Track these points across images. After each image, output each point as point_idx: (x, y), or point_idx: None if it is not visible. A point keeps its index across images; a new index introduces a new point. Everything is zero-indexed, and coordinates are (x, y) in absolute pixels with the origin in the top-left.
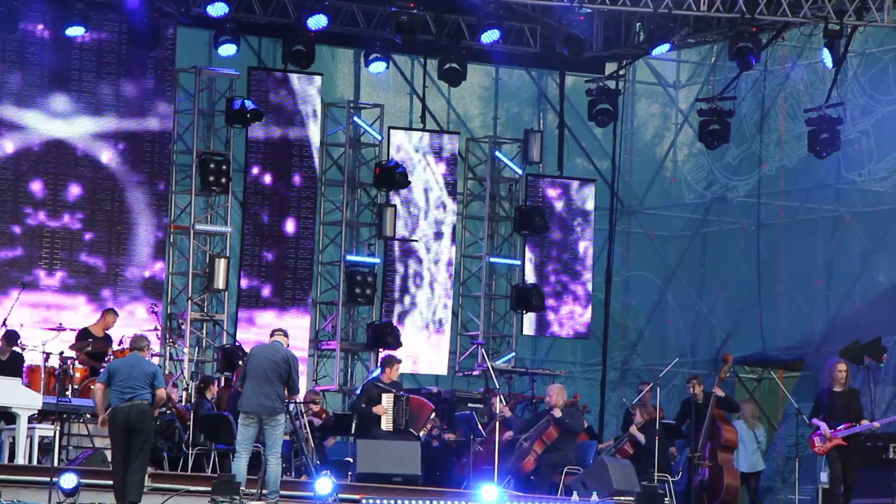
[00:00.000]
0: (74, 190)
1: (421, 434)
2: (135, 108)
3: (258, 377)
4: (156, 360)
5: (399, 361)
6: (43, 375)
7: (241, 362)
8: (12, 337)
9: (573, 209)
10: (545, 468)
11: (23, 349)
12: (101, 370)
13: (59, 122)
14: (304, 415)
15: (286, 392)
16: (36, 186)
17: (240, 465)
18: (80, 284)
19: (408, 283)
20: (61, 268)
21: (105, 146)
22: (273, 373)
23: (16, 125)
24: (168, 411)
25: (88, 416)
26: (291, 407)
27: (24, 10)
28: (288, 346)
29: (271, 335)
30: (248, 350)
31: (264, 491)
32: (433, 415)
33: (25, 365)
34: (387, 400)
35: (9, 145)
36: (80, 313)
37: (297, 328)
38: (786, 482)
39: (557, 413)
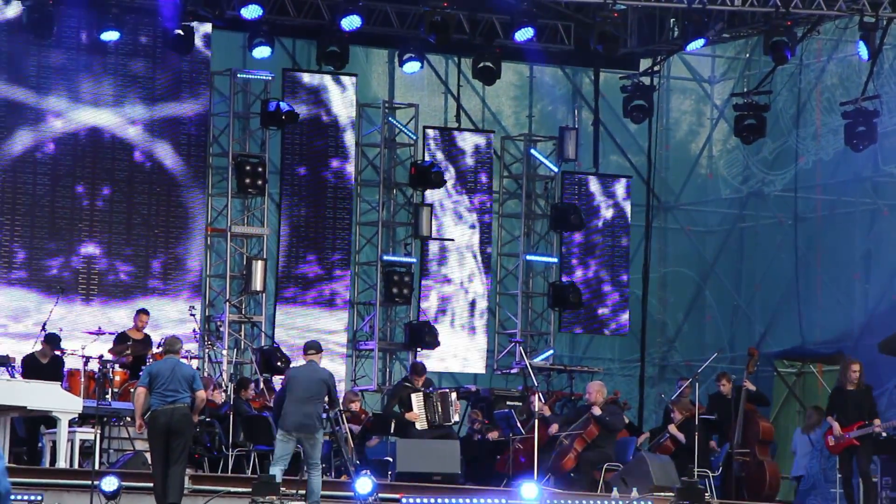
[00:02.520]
0: (112, 194)
1: (455, 417)
2: (170, 110)
3: (299, 397)
4: (194, 363)
5: (424, 371)
6: (83, 379)
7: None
8: (54, 340)
9: (609, 206)
10: (585, 466)
11: (62, 353)
12: (141, 373)
13: (93, 120)
14: (344, 419)
15: (328, 404)
16: (77, 189)
17: (276, 475)
18: (118, 288)
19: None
20: (99, 272)
21: (140, 148)
22: (313, 392)
23: (53, 126)
24: (206, 418)
25: (129, 419)
26: (331, 413)
27: (58, 15)
28: (321, 359)
29: (305, 353)
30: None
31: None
32: (454, 395)
33: (65, 369)
34: (416, 401)
35: (50, 146)
36: (119, 316)
37: (334, 329)
38: (828, 479)
39: (597, 411)
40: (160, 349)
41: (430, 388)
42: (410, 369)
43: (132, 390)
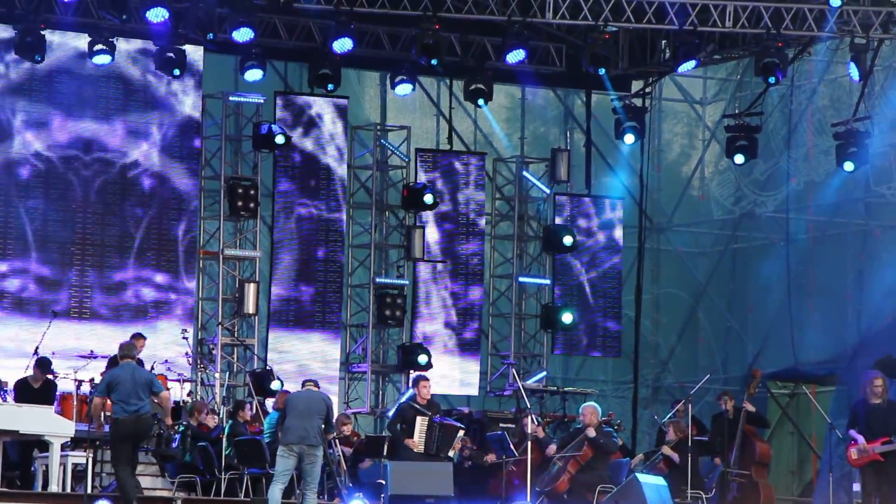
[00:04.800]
0: (104, 216)
1: (451, 454)
2: (163, 134)
3: (300, 412)
4: (187, 386)
5: (426, 378)
6: (75, 403)
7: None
8: (45, 364)
9: (602, 227)
10: (579, 488)
11: (55, 377)
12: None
13: (86, 136)
14: (337, 442)
15: (324, 427)
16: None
17: (275, 494)
18: (110, 312)
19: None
20: (91, 295)
21: (131, 172)
22: (314, 409)
23: (40, 146)
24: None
25: None
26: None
27: (50, 38)
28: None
29: (303, 385)
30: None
31: None
32: (461, 433)
33: (58, 392)
34: (420, 424)
35: (37, 166)
36: (111, 340)
37: (327, 351)
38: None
39: (592, 433)
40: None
41: (437, 418)
42: (413, 382)
43: (89, 402)
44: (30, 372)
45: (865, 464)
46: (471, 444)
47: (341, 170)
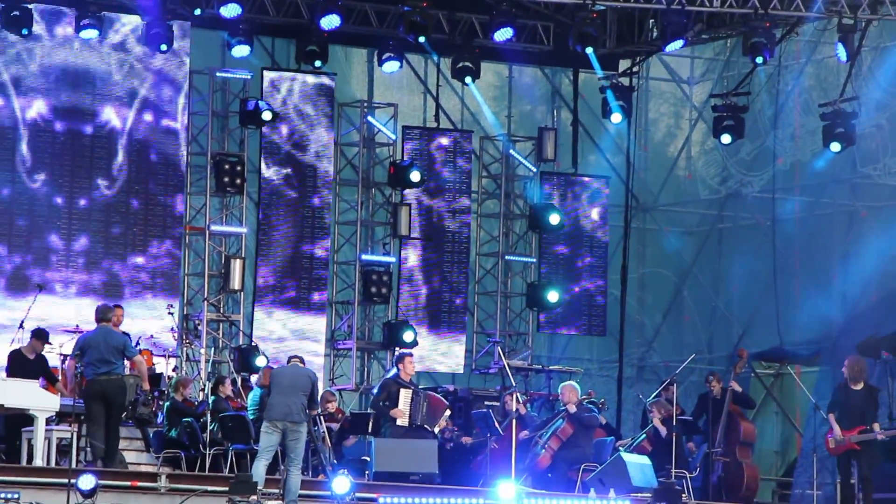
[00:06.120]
0: (91, 192)
1: (436, 430)
2: (149, 109)
3: (284, 388)
4: (172, 361)
5: (410, 355)
6: (60, 377)
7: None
8: (42, 335)
9: (588, 206)
10: (561, 465)
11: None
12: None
13: (73, 117)
14: (322, 418)
15: (308, 404)
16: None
17: (259, 469)
18: (95, 286)
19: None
20: (77, 270)
21: (118, 148)
22: (298, 386)
23: (29, 122)
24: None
25: None
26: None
27: (35, 12)
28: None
29: (289, 361)
30: (261, 349)
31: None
32: (448, 413)
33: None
34: (405, 396)
35: (23, 142)
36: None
37: (312, 328)
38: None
39: (572, 408)
40: (138, 347)
41: (420, 390)
42: (396, 359)
43: (64, 365)
44: (15, 345)
45: (842, 452)
46: (451, 426)
47: (328, 146)
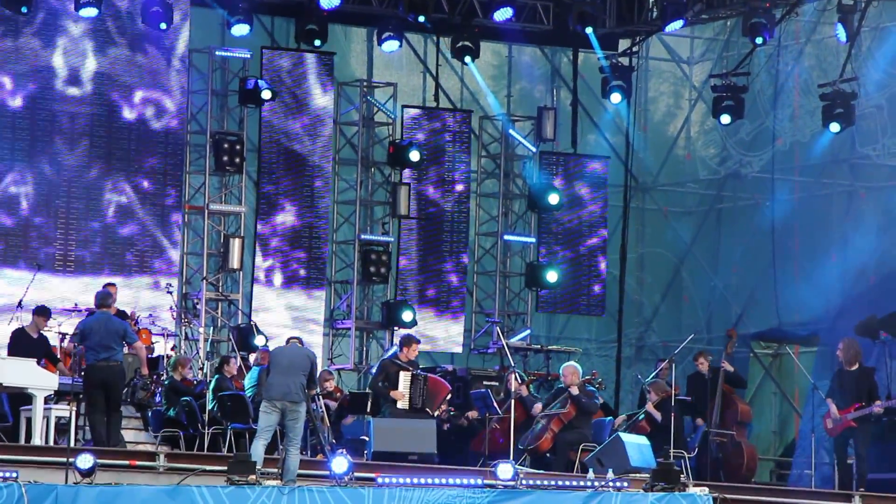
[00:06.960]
0: (90, 169)
1: (436, 413)
2: (149, 88)
3: (283, 368)
4: (171, 341)
5: (418, 342)
6: (59, 355)
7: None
8: (44, 312)
9: (587, 186)
10: (562, 446)
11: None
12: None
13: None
14: (321, 397)
15: (307, 383)
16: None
17: (258, 449)
18: (94, 264)
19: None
20: (76, 248)
21: (118, 126)
22: (297, 365)
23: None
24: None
25: None
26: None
27: None
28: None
29: (288, 342)
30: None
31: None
32: (448, 395)
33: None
34: (404, 378)
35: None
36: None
37: (312, 307)
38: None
39: (575, 391)
40: (137, 326)
41: (420, 372)
42: (402, 341)
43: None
44: (15, 324)
45: (839, 432)
46: (448, 408)
47: (327, 125)
